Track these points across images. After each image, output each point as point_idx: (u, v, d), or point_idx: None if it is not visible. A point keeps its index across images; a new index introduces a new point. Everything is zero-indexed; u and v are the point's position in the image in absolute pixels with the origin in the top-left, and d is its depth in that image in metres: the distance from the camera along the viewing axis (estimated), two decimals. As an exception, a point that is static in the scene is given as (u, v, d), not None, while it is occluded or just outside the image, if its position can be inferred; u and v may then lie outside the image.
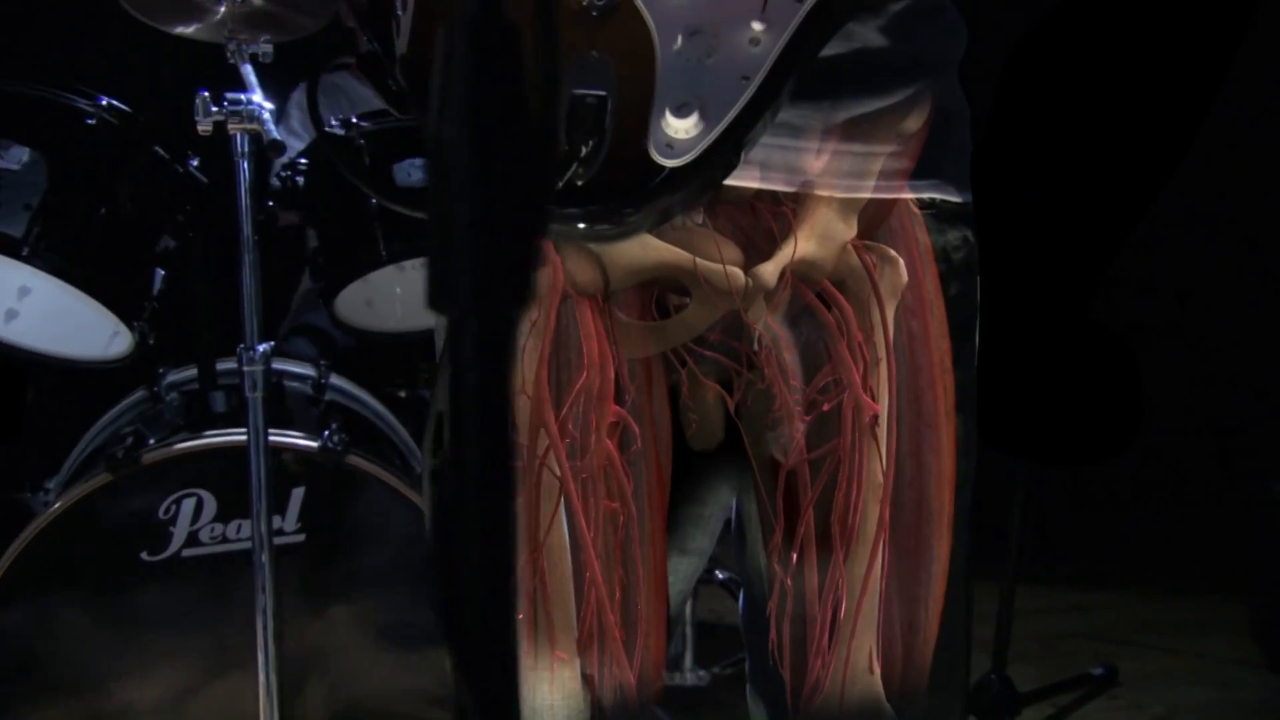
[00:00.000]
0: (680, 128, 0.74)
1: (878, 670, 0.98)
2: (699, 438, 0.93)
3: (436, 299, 0.39)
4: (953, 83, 0.95)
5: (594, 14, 0.76)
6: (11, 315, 1.86)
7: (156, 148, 1.68)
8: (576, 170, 0.74)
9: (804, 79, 0.83)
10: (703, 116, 0.74)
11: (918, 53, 0.88)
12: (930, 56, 0.90)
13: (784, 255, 0.88)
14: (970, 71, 0.98)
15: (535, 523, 0.88)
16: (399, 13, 0.77)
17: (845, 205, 0.89)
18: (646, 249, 0.85)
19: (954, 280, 0.95)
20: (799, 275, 0.90)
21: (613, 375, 0.87)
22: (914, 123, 0.89)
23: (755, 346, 0.92)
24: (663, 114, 0.74)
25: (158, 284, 1.72)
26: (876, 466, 0.93)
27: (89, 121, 1.64)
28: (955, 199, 0.94)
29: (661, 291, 0.90)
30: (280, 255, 1.83)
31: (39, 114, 1.62)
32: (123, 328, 1.72)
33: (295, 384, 1.96)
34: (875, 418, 0.93)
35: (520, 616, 0.91)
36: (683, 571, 0.99)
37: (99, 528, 1.53)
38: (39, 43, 1.88)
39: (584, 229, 0.77)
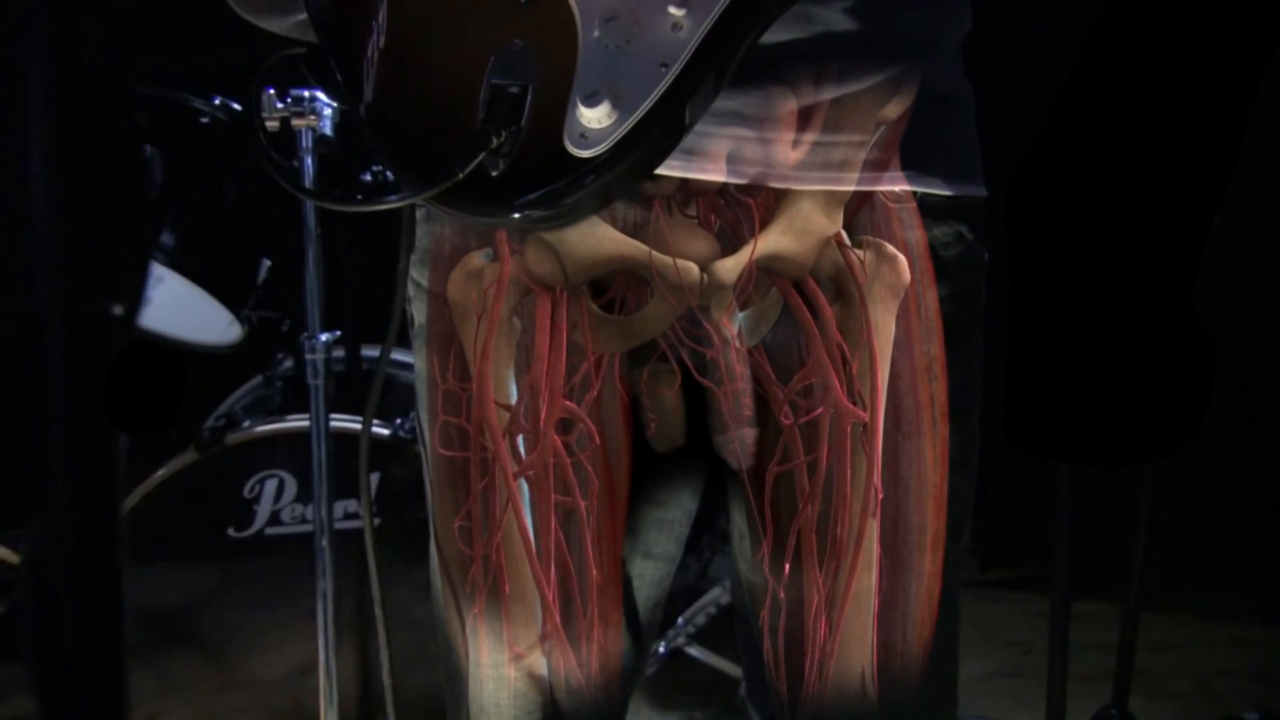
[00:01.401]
0: (592, 118, 0.72)
1: (873, 693, 0.93)
2: (659, 438, 0.90)
3: (8, 292, 0.39)
4: (949, 66, 0.89)
5: (522, 1, 0.74)
6: (144, 302, 2.01)
7: (265, 144, 1.77)
8: (493, 161, 0.72)
9: (754, 65, 0.79)
10: (616, 106, 0.72)
11: (896, 35, 0.83)
12: (913, 38, 0.84)
13: (748, 251, 0.84)
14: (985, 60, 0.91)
15: (490, 517, 0.88)
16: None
17: (828, 198, 0.84)
18: (602, 241, 0.83)
19: (943, 280, 0.89)
20: (773, 271, 0.86)
21: (563, 370, 0.85)
22: (894, 109, 0.84)
23: (737, 345, 0.88)
24: (577, 104, 0.72)
25: (263, 274, 1.81)
26: (863, 478, 0.88)
27: (203, 120, 1.75)
28: (943, 191, 0.88)
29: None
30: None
31: (159, 113, 1.74)
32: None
33: (405, 373, 2.03)
34: (862, 426, 0.87)
35: (475, 611, 0.90)
36: (649, 577, 0.96)
37: (191, 502, 1.63)
38: (158, 44, 2.02)
39: (518, 218, 0.76)
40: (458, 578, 0.91)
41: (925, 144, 0.86)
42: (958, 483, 0.92)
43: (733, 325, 0.88)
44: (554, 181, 0.73)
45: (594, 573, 0.89)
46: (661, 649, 2.06)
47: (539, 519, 0.87)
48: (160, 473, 1.63)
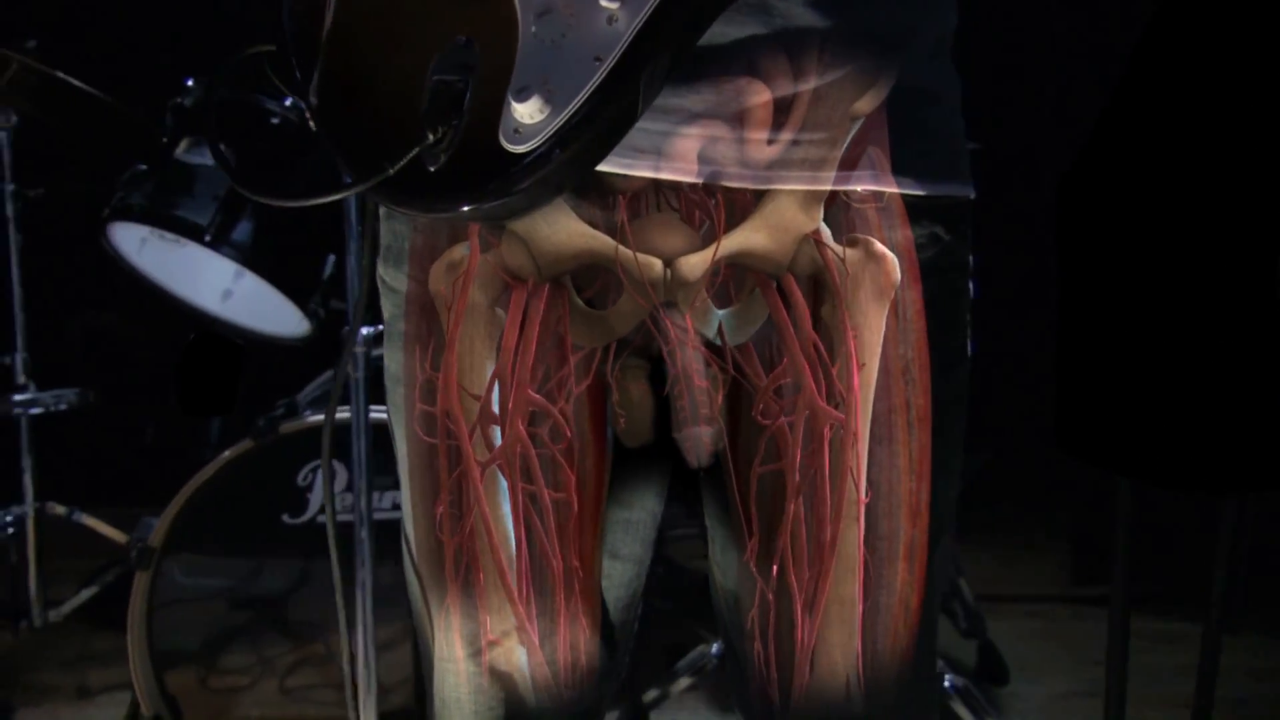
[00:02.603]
0: (524, 113, 0.72)
1: (859, 702, 0.91)
2: (628, 434, 0.89)
3: None
4: (929, 61, 0.86)
5: (468, -5, 0.75)
6: (228, 295, 2.10)
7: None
8: (433, 156, 0.73)
9: (721, 59, 0.78)
10: (548, 101, 0.72)
11: (862, 29, 0.80)
12: (883, 32, 0.81)
13: (718, 248, 0.83)
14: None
15: (459, 507, 0.89)
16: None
17: (806, 194, 0.83)
18: (572, 235, 0.83)
19: (919, 282, 0.86)
20: (749, 268, 0.84)
21: (530, 363, 0.85)
22: (867, 103, 0.81)
23: (717, 341, 0.87)
24: (510, 99, 0.72)
25: (328, 269, 1.87)
26: (839, 482, 0.86)
27: (274, 120, 1.81)
28: (915, 191, 0.85)
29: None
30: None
31: (231, 114, 1.81)
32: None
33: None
34: (843, 428, 0.85)
35: (448, 603, 0.91)
36: (616, 577, 0.95)
37: (250, 487, 1.69)
38: (229, 47, 2.10)
39: (468, 211, 0.76)
40: (425, 570, 0.92)
41: (897, 142, 0.84)
42: (938, 490, 0.89)
43: (708, 323, 0.87)
44: (489, 177, 0.73)
45: (558, 564, 0.88)
46: (714, 649, 2.05)
47: (514, 510, 0.88)
48: (224, 455, 1.70)
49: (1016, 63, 2.65)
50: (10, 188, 2.29)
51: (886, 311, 0.85)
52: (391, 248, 0.91)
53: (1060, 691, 2.34)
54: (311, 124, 0.80)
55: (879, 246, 0.84)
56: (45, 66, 2.13)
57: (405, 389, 0.91)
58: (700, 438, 0.85)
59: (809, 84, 0.79)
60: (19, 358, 2.34)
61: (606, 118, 0.73)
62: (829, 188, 0.83)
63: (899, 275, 0.85)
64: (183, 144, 1.85)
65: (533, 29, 0.73)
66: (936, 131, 0.87)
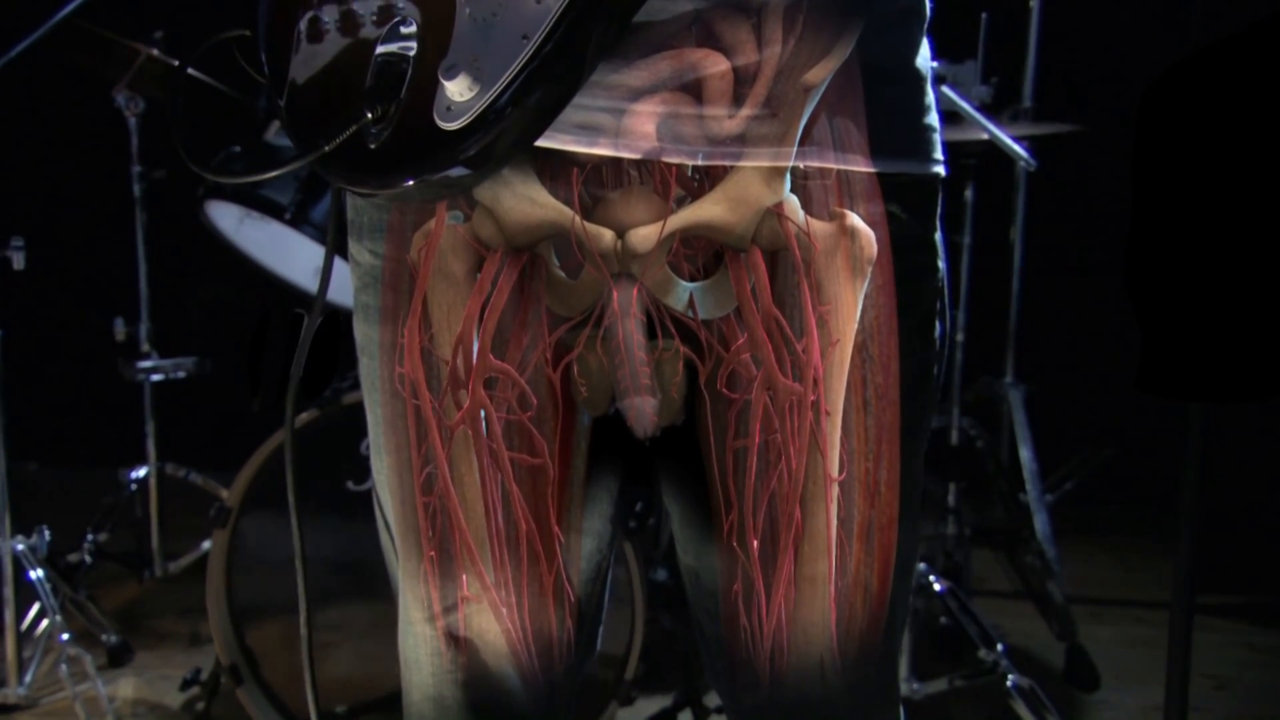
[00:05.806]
0: (454, 91, 0.74)
1: (834, 680, 0.90)
2: (589, 403, 0.90)
3: None
4: (888, 35, 0.84)
5: (411, -25, 0.77)
6: (319, 271, 2.19)
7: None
8: (370, 133, 0.76)
9: (666, 34, 0.79)
10: (477, 79, 0.74)
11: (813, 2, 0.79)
12: (830, 6, 0.80)
13: (672, 220, 0.83)
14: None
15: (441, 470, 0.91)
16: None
17: (770, 167, 0.82)
18: (534, 206, 0.84)
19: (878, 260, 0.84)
20: (711, 241, 0.84)
21: (492, 330, 0.86)
22: (817, 75, 0.80)
23: (689, 314, 0.87)
24: (439, 78, 0.75)
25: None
26: (809, 460, 0.85)
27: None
28: (869, 168, 0.83)
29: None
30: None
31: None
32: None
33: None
34: (814, 406, 0.85)
35: (421, 566, 0.94)
36: (578, 550, 0.96)
37: (316, 454, 1.77)
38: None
39: (414, 186, 0.79)
40: (396, 532, 0.96)
41: (851, 117, 0.82)
42: (902, 471, 0.87)
43: (674, 296, 0.87)
44: (424, 153, 0.76)
45: (525, 531, 0.90)
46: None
47: (481, 475, 0.90)
48: (278, 433, 1.78)
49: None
50: (137, 169, 2.46)
51: (863, 287, 0.84)
52: (354, 222, 0.95)
53: (1154, 702, 2.23)
54: (279, 105, 0.84)
55: (854, 220, 0.83)
56: (168, 57, 2.28)
57: (367, 359, 0.95)
58: (642, 408, 0.85)
59: (769, 54, 0.79)
60: (143, 328, 2.52)
61: (537, 95, 0.74)
62: (788, 163, 0.82)
63: (875, 251, 0.84)
64: (272, 127, 1.94)
65: (467, 9, 0.75)
66: (896, 107, 0.85)
